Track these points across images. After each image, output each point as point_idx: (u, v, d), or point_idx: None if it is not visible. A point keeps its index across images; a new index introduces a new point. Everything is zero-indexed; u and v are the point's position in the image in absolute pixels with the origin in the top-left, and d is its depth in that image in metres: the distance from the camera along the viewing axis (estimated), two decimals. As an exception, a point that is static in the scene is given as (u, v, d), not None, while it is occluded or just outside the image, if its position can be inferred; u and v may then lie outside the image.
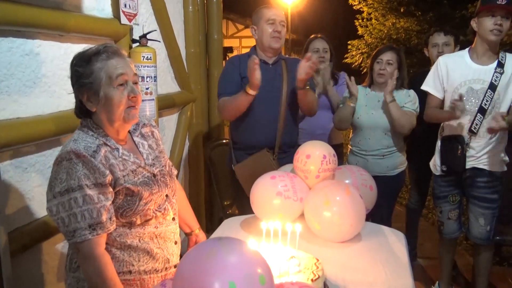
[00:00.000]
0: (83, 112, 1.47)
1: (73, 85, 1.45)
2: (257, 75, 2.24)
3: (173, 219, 1.64)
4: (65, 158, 1.36)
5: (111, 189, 1.41)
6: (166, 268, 1.59)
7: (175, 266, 1.63)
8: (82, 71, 1.40)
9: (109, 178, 1.40)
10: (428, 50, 3.12)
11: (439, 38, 3.01)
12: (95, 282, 1.37)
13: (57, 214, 1.35)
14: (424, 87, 2.61)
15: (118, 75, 1.41)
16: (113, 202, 1.42)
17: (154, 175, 1.56)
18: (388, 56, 2.72)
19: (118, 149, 1.47)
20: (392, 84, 2.62)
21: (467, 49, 2.51)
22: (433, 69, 2.59)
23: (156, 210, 1.54)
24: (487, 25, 2.32)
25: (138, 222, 1.50)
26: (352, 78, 2.75)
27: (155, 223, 1.55)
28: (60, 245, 2.02)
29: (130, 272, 1.50)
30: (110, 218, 1.40)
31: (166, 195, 1.60)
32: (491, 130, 2.27)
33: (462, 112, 2.32)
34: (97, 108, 1.43)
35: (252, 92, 2.33)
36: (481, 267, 2.67)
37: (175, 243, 1.65)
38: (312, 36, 3.19)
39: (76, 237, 1.34)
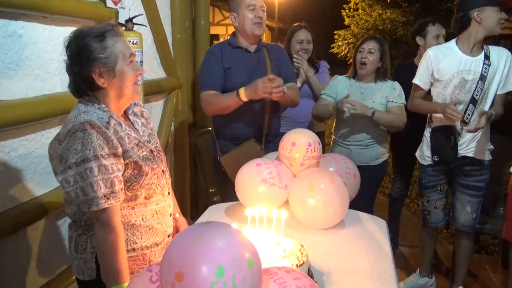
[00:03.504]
0: (88, 88, 1.46)
1: (79, 61, 1.43)
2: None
3: (169, 193, 1.70)
4: (79, 129, 1.38)
5: (122, 160, 1.45)
6: (163, 239, 1.67)
7: (168, 236, 1.71)
8: (96, 46, 1.42)
9: (120, 150, 1.44)
10: (421, 39, 3.08)
11: (441, 30, 3.02)
12: (107, 249, 1.41)
13: (75, 184, 1.38)
14: (415, 80, 2.62)
15: (130, 54, 1.49)
16: (122, 174, 1.46)
17: (152, 151, 1.61)
18: (369, 45, 2.73)
19: (121, 124, 1.51)
20: (360, 104, 2.57)
21: (453, 41, 2.53)
22: (423, 63, 2.58)
23: (158, 184, 1.60)
24: (496, 18, 2.35)
25: (142, 196, 1.55)
26: (349, 95, 2.62)
27: (156, 200, 1.61)
28: (43, 231, 2.01)
29: (134, 249, 1.56)
30: (122, 189, 1.45)
31: (162, 171, 1.66)
32: (475, 129, 2.33)
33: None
34: (108, 83, 1.46)
35: (246, 99, 2.30)
36: (461, 255, 2.74)
37: (170, 215, 1.72)
38: (296, 24, 3.16)
39: (93, 206, 1.37)
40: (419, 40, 3.11)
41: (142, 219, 1.57)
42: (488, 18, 2.36)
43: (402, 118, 2.71)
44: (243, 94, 2.28)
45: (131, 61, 1.50)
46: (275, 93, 2.20)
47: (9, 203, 1.81)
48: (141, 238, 1.58)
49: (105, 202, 1.38)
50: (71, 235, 1.57)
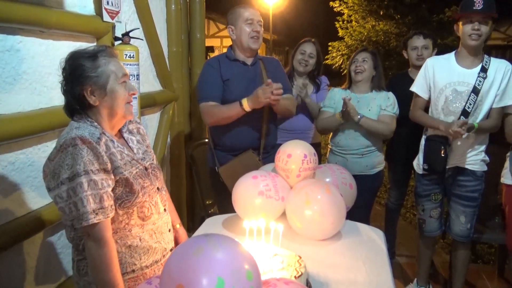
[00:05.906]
0: (80, 106, 1.48)
1: (72, 80, 1.46)
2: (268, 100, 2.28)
3: (165, 210, 1.70)
4: (70, 144, 1.39)
5: (112, 177, 1.46)
6: (164, 256, 1.67)
7: (171, 250, 1.71)
8: (89, 65, 1.45)
9: (109, 165, 1.45)
10: (407, 53, 3.19)
11: (418, 41, 3.08)
12: (100, 264, 1.41)
13: (69, 199, 1.38)
14: (412, 88, 2.67)
15: (123, 74, 1.52)
16: (113, 191, 1.46)
17: (146, 168, 1.61)
18: (362, 56, 2.82)
19: (114, 141, 1.52)
20: (352, 106, 2.66)
21: (453, 52, 2.58)
22: (421, 71, 2.64)
23: (150, 203, 1.60)
24: (466, 31, 2.41)
25: (136, 216, 1.55)
26: (351, 99, 2.70)
27: (152, 220, 1.61)
28: (40, 244, 2.00)
29: (133, 271, 1.57)
30: (111, 206, 1.45)
31: (158, 188, 1.65)
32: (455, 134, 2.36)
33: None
34: (100, 101, 1.48)
35: (249, 109, 2.35)
36: (458, 265, 2.74)
37: (169, 230, 1.72)
38: (306, 38, 3.19)
39: (83, 221, 1.38)
40: (404, 53, 3.24)
41: (140, 240, 1.57)
42: (461, 32, 2.45)
43: (391, 127, 2.75)
44: (246, 104, 2.34)
45: (123, 81, 1.52)
46: (275, 96, 2.26)
47: (6, 217, 1.81)
48: (140, 259, 1.58)
49: (94, 217, 1.38)
50: (73, 258, 1.58)
